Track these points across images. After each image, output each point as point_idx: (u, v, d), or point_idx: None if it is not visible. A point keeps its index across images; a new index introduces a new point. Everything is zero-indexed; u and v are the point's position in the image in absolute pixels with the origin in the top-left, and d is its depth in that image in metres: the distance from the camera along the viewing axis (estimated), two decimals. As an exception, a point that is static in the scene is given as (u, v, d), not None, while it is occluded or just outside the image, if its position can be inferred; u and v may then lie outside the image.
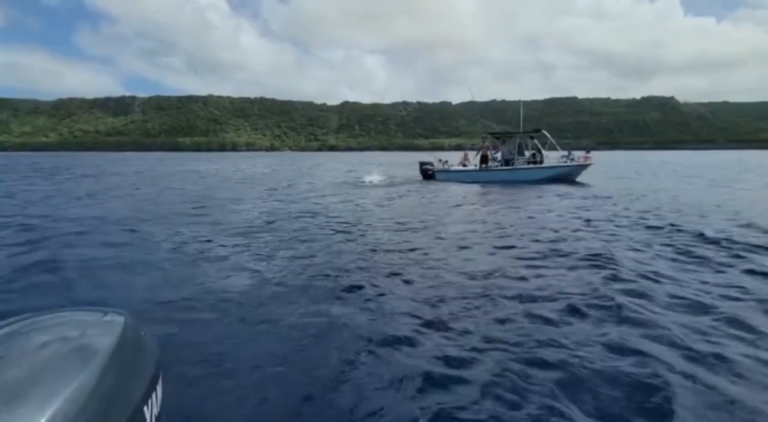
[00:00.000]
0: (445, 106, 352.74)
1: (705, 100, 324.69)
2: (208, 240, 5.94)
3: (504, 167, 16.44)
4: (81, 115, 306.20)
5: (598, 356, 2.40)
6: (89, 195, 12.12)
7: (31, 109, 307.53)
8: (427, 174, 17.91)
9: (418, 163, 19.27)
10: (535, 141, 16.69)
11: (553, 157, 16.34)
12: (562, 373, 2.24)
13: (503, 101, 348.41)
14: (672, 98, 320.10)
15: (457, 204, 10.14)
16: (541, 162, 16.08)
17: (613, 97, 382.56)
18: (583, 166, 15.88)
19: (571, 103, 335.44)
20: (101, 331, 0.92)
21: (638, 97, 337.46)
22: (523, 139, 17.09)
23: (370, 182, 16.50)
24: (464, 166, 18.10)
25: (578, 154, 16.58)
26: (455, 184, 15.74)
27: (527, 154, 16.72)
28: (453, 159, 19.48)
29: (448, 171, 17.60)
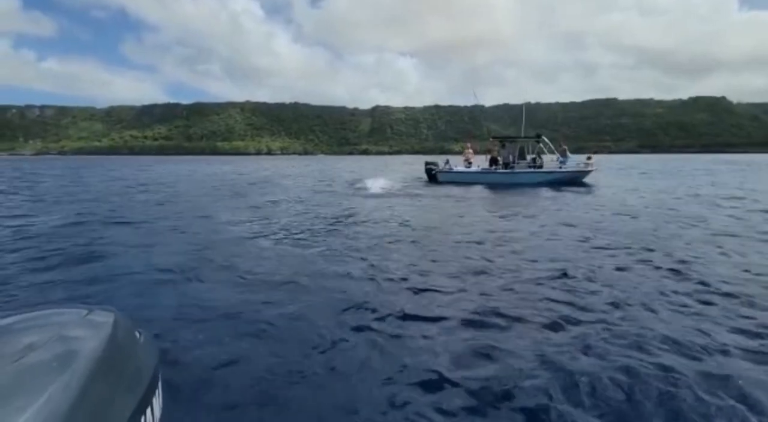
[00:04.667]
0: (476, 108, 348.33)
1: (761, 100, 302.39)
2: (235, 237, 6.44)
3: (504, 170, 17.05)
4: (130, 122, 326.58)
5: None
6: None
7: (88, 116, 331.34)
8: (431, 174, 18.44)
9: (424, 162, 19.85)
10: (540, 145, 17.15)
11: (546, 160, 17.05)
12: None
13: (537, 103, 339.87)
14: (723, 98, 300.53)
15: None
16: (541, 166, 16.66)
17: (658, 97, 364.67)
18: (585, 172, 16.44)
19: (610, 104, 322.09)
20: (84, 332, 0.79)
21: (686, 97, 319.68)
22: (525, 143, 17.69)
23: (370, 189, 14.70)
24: (469, 163, 18.59)
25: (575, 157, 17.32)
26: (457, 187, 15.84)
27: (528, 158, 17.29)
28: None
29: (450, 172, 18.12)
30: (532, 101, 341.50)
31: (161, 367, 0.90)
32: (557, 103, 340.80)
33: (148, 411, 0.80)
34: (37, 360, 0.66)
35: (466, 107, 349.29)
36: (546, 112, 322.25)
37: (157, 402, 0.85)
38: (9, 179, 21.49)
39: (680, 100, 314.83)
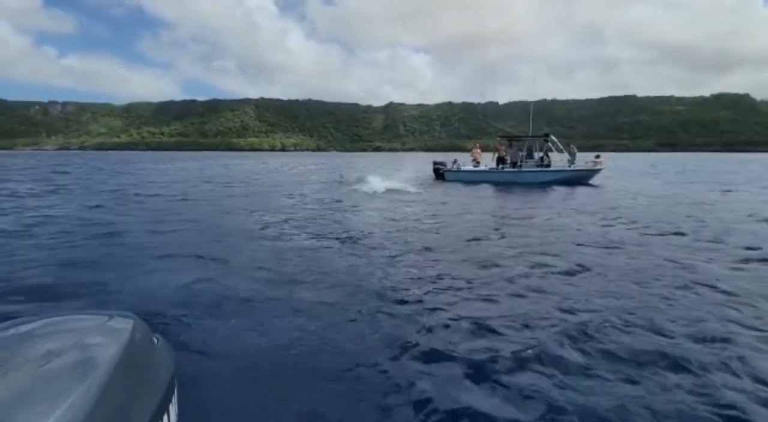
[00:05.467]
0: (491, 105, 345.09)
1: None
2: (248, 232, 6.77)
3: (511, 169, 17.12)
4: (148, 118, 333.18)
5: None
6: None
7: (107, 112, 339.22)
8: (438, 173, 18.62)
9: (432, 162, 19.94)
10: (549, 144, 17.13)
11: (555, 159, 17.04)
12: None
13: (553, 100, 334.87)
14: (746, 95, 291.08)
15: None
16: (548, 165, 16.65)
17: (679, 94, 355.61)
18: (593, 171, 16.32)
19: (629, 101, 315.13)
20: (104, 339, 0.80)
21: (708, 94, 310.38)
22: (533, 142, 17.69)
23: (378, 188, 14.07)
24: (477, 162, 18.69)
25: (581, 156, 17.35)
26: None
27: (536, 156, 17.28)
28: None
29: (457, 171, 18.28)
30: (548, 98, 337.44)
31: (177, 372, 0.91)
32: (574, 100, 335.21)
33: (165, 417, 0.81)
34: (60, 366, 0.68)
35: (479, 104, 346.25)
36: (562, 110, 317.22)
37: (174, 408, 0.86)
38: (47, 173, 22.37)
39: (702, 97, 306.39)
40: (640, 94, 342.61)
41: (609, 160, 17.60)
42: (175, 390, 0.88)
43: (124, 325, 0.86)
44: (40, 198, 11.38)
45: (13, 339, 0.78)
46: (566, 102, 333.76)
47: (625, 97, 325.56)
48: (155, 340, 0.93)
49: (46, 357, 0.70)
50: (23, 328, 0.82)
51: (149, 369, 0.84)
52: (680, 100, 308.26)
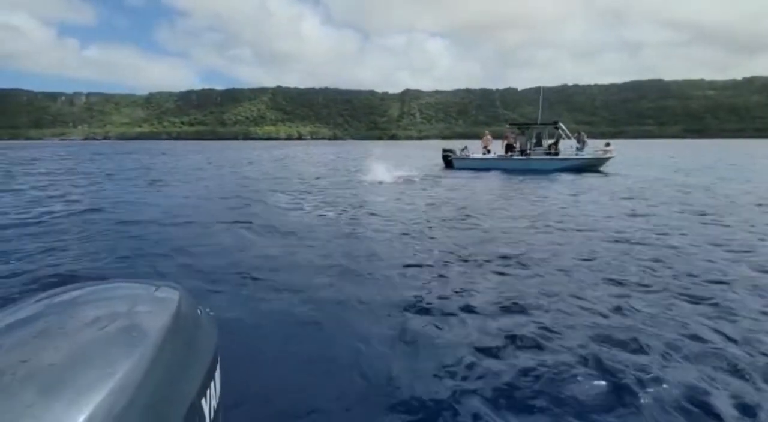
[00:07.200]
0: (509, 92, 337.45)
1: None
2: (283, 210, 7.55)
3: (520, 157, 17.42)
4: (169, 108, 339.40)
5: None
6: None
7: (129, 102, 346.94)
8: (447, 161, 18.99)
9: (441, 149, 20.26)
10: (559, 131, 17.33)
11: (565, 146, 17.25)
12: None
13: (575, 85, 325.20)
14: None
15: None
16: (557, 154, 16.87)
17: (709, 78, 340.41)
18: (603, 159, 16.41)
19: (654, 86, 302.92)
20: (153, 308, 0.81)
21: (739, 77, 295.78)
22: (541, 130, 17.90)
23: (388, 176, 14.46)
24: (487, 150, 19.01)
25: (592, 143, 17.35)
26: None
27: (545, 144, 17.52)
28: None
29: (465, 158, 18.58)
30: (569, 83, 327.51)
31: (220, 343, 0.93)
32: (596, 85, 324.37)
33: (212, 386, 0.82)
34: (113, 332, 0.69)
35: (497, 90, 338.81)
36: (584, 95, 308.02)
37: (218, 377, 0.88)
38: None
39: (733, 80, 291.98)
40: (668, 78, 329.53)
41: (627, 147, 17.69)
42: (219, 360, 0.90)
43: (171, 295, 0.87)
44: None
45: (65, 304, 0.79)
46: (588, 87, 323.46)
47: (651, 81, 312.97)
48: (199, 312, 0.95)
49: (98, 323, 0.71)
50: (74, 294, 0.83)
51: (196, 339, 0.85)
52: (710, 84, 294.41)
